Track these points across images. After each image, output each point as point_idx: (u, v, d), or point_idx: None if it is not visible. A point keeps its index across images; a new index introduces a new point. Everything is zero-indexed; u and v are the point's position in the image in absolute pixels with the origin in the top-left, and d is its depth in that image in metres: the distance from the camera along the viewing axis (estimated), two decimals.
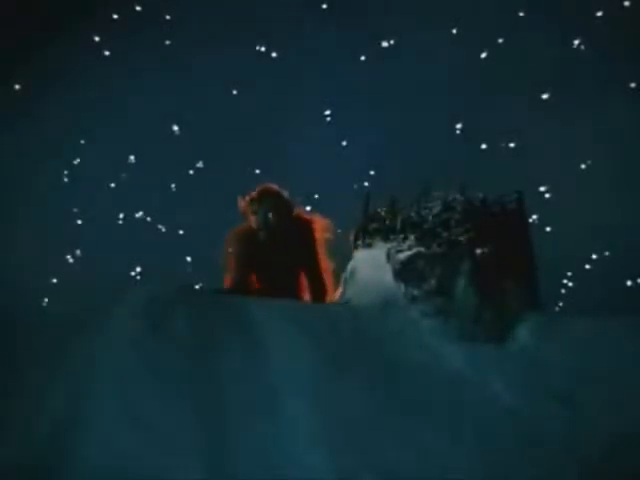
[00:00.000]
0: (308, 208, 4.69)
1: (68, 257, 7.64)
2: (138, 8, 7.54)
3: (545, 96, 7.34)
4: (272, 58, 7.62)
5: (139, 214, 7.74)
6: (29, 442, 2.90)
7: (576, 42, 7.40)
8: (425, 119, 7.38)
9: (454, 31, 7.52)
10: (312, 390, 3.18)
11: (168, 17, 7.69)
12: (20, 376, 3.20)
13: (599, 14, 7.33)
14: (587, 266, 7.46)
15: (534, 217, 7.08)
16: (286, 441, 2.99)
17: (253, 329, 3.40)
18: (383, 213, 4.05)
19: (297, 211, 4.60)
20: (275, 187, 4.59)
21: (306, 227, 4.58)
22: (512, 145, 7.47)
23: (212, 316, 3.40)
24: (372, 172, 7.40)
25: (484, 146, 7.39)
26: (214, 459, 2.89)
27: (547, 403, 3.32)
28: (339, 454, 2.98)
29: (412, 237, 3.88)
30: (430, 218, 3.87)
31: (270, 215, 4.49)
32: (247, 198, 4.54)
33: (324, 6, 7.57)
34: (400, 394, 3.26)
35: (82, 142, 7.73)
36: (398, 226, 3.95)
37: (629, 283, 7.34)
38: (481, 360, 3.48)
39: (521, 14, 7.47)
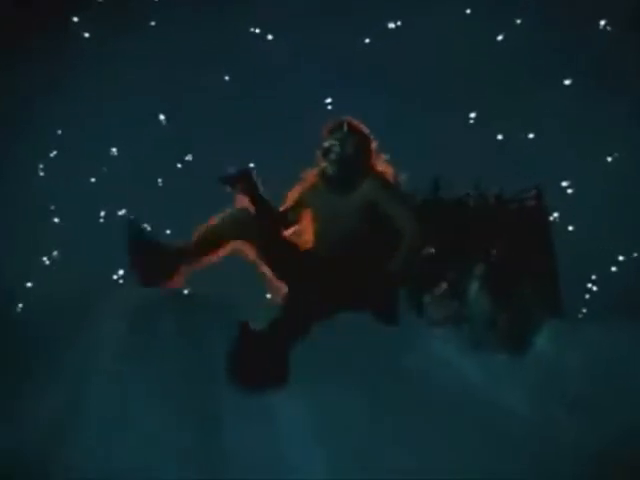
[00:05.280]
0: None
1: (44, 259, 7.56)
2: None
3: (567, 82, 7.26)
4: (268, 41, 7.56)
5: (122, 212, 7.58)
6: (20, 444, 3.00)
7: (602, 22, 7.30)
8: (436, 107, 7.27)
9: (468, 11, 7.46)
10: (310, 391, 3.22)
11: None
12: (7, 380, 3.28)
13: None
14: (613, 268, 7.26)
15: (555, 215, 6.87)
16: (283, 443, 3.07)
17: None
18: None
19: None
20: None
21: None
22: (531, 136, 7.35)
23: (208, 317, 3.44)
24: None
25: (500, 137, 7.29)
26: (210, 460, 2.97)
27: (567, 418, 3.28)
28: (338, 455, 3.03)
29: None
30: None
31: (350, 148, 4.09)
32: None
33: None
34: (406, 402, 3.26)
35: (59, 132, 7.63)
36: None
37: None
38: (495, 370, 3.46)
39: None
